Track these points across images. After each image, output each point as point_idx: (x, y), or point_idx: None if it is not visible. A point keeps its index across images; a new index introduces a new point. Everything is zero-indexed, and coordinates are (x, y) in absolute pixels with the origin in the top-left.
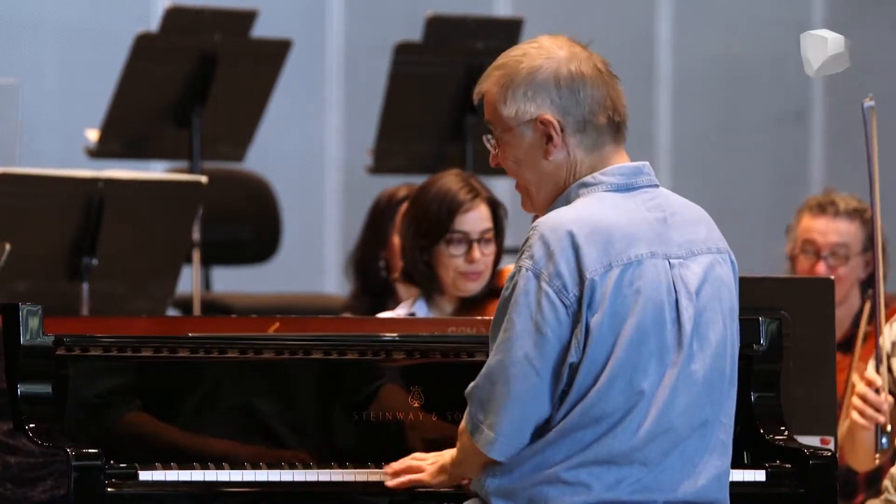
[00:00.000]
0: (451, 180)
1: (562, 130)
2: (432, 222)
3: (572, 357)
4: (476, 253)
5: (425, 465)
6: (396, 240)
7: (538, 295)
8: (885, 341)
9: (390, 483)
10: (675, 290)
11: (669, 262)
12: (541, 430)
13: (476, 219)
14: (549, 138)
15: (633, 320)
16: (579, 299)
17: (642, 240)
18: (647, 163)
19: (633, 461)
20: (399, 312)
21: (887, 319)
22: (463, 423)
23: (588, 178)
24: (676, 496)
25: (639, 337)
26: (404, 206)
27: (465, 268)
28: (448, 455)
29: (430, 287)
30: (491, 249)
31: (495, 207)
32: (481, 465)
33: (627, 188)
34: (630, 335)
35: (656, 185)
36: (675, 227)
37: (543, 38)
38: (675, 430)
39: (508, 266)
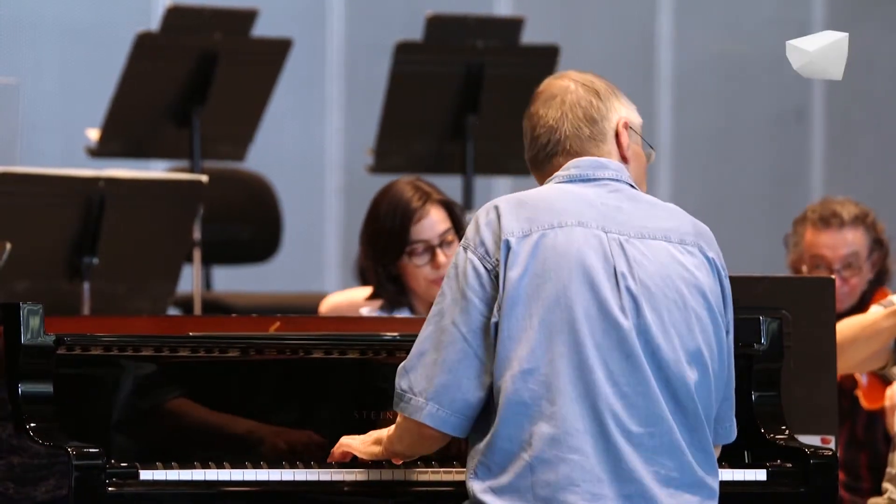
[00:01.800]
0: (398, 190)
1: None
2: (388, 238)
3: (494, 317)
4: (441, 258)
5: (358, 440)
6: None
7: (465, 265)
8: None
9: (329, 460)
10: (612, 257)
11: (606, 235)
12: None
13: (431, 224)
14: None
15: (553, 283)
16: (500, 261)
17: (573, 213)
18: (618, 163)
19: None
20: (382, 313)
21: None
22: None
23: (548, 179)
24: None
25: (565, 300)
26: None
27: (434, 275)
28: (387, 430)
29: (401, 301)
30: (454, 249)
31: (450, 207)
32: (416, 443)
33: (583, 179)
34: (552, 297)
35: (630, 185)
36: (628, 215)
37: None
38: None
39: None
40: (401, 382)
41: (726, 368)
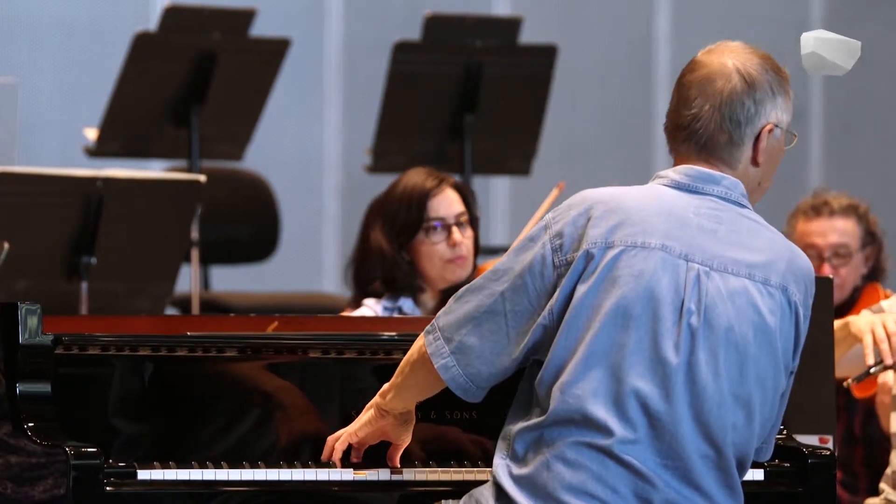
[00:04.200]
0: (412, 175)
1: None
2: (405, 218)
3: (545, 319)
4: (456, 236)
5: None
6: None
7: (538, 245)
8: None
9: (324, 457)
10: (684, 290)
11: (687, 264)
12: (535, 398)
13: (448, 202)
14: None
15: (617, 300)
16: (569, 265)
17: (661, 233)
18: (734, 179)
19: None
20: (385, 304)
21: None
22: (422, 336)
23: (661, 172)
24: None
25: (623, 321)
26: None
27: (450, 253)
28: (380, 391)
29: (414, 287)
30: (469, 234)
31: (464, 192)
32: (418, 384)
33: (688, 189)
34: (611, 314)
35: (739, 205)
36: (719, 241)
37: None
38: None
39: (490, 261)
40: (440, 318)
41: (777, 410)
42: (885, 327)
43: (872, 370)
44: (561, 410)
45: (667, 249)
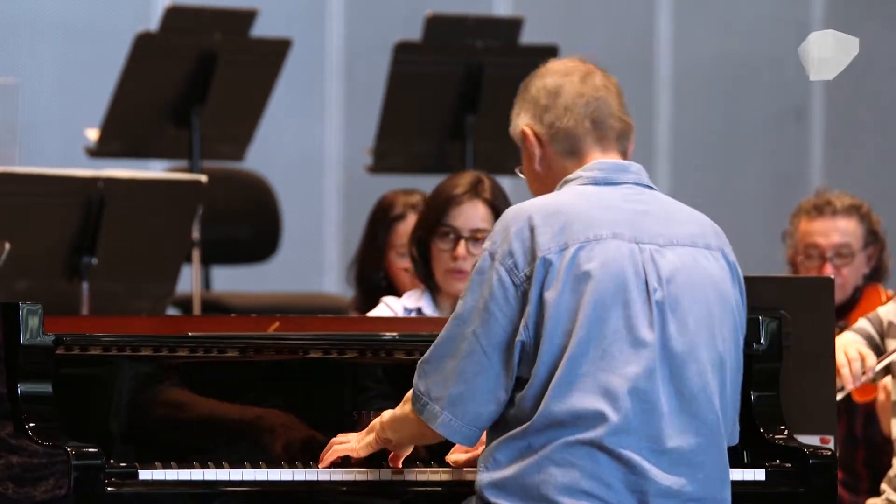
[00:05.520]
0: (461, 176)
1: (540, 141)
2: (429, 214)
3: (522, 336)
4: (461, 249)
5: (351, 437)
6: (392, 256)
7: (490, 273)
8: (884, 319)
9: (321, 466)
10: (644, 271)
11: (639, 247)
12: (516, 417)
13: (469, 215)
14: (534, 149)
15: (591, 296)
16: (530, 278)
17: (607, 223)
18: (638, 164)
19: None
20: (406, 303)
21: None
22: (409, 394)
23: (570, 175)
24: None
25: (600, 313)
26: (400, 223)
27: (451, 264)
28: (379, 421)
29: (428, 282)
30: (479, 250)
31: (496, 211)
32: (416, 435)
33: (607, 182)
34: (588, 310)
35: (649, 187)
36: (655, 219)
37: (556, 61)
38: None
39: None
40: (419, 383)
41: (740, 373)
42: (846, 353)
43: (839, 396)
44: (549, 415)
45: (618, 237)
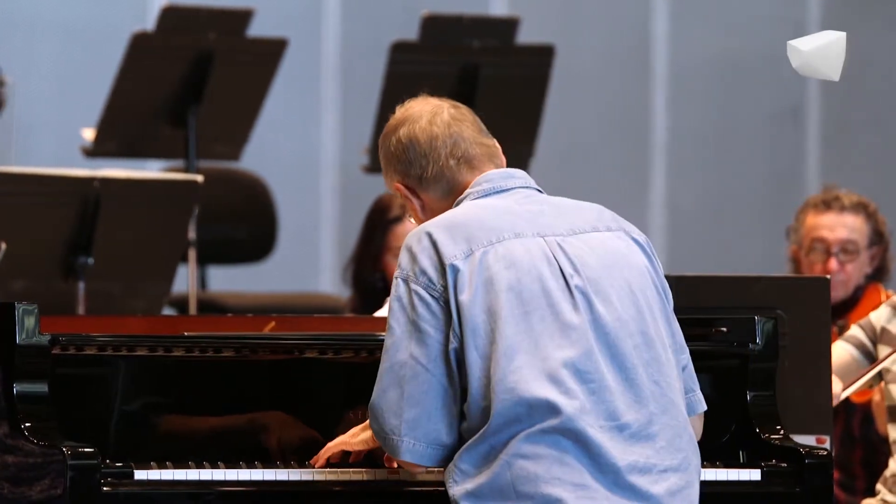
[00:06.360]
0: None
1: (415, 193)
2: None
3: (453, 343)
4: None
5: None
6: (388, 257)
7: (409, 296)
8: (876, 325)
9: (318, 466)
10: (556, 260)
11: (544, 239)
12: (468, 428)
13: None
14: (413, 201)
15: (506, 294)
16: (446, 288)
17: (507, 226)
18: (520, 171)
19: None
20: None
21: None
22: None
23: (461, 196)
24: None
25: (521, 307)
26: (397, 224)
27: None
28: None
29: None
30: None
31: None
32: (403, 463)
33: (497, 191)
34: (508, 307)
35: (538, 190)
36: (552, 216)
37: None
38: (605, 386)
39: None
40: (373, 426)
41: (678, 340)
42: None
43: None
44: (502, 410)
45: (521, 235)
